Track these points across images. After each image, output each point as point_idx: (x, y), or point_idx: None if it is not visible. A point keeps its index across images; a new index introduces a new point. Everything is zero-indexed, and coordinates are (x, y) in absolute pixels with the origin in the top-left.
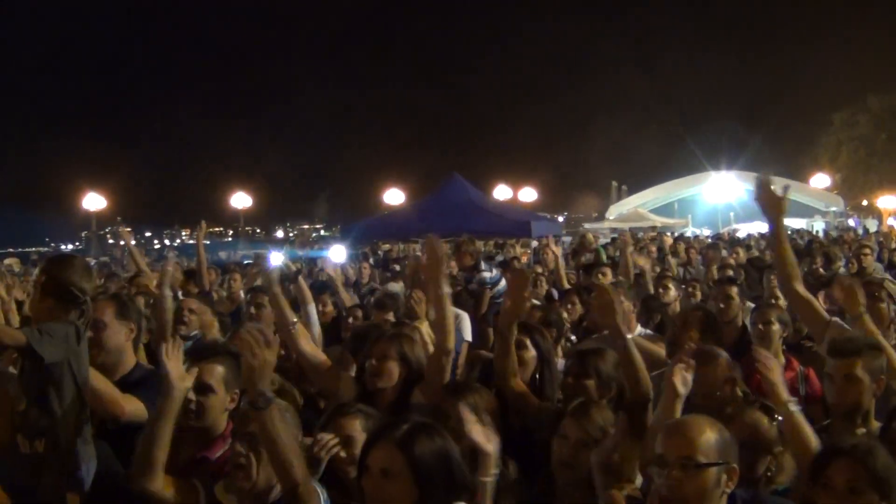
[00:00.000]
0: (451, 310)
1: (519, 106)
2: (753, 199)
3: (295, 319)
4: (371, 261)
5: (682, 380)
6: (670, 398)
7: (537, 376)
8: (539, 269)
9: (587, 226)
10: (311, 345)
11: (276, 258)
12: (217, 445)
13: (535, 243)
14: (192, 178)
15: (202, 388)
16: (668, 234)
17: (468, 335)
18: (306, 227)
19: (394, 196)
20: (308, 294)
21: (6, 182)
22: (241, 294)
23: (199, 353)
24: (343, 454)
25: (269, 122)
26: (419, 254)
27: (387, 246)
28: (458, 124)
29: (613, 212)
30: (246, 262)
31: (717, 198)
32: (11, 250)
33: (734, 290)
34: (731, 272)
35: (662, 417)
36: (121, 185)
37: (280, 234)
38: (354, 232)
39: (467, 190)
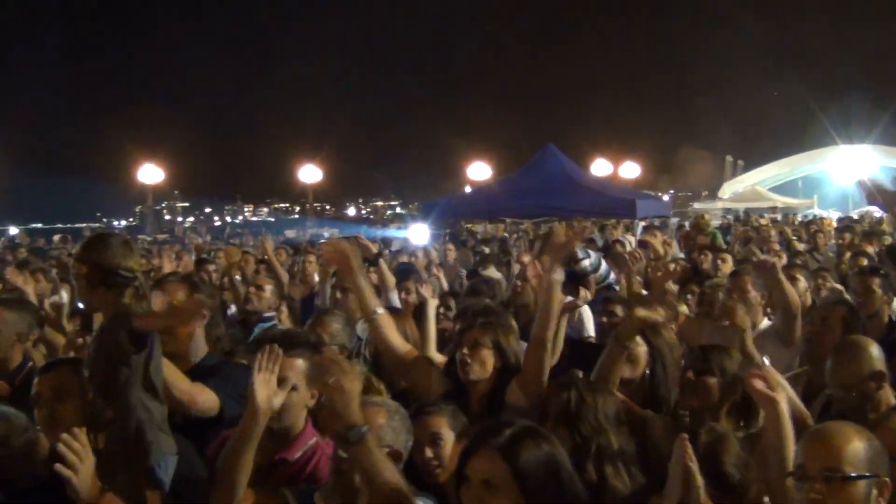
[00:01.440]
0: (560, 298)
1: (619, 71)
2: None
3: (379, 308)
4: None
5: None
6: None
7: (647, 373)
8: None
9: (697, 206)
10: (396, 335)
11: (419, 233)
12: (296, 446)
13: (640, 225)
14: (256, 151)
15: (282, 384)
16: (792, 215)
17: (591, 329)
18: (380, 203)
19: (479, 171)
20: (391, 279)
21: (56, 154)
22: (316, 277)
23: (261, 343)
24: (430, 454)
25: (340, 91)
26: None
27: (470, 225)
28: (550, 92)
29: (727, 190)
30: (320, 241)
31: (847, 175)
32: (61, 226)
33: (876, 282)
34: (866, 261)
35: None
36: (179, 156)
37: (352, 211)
38: (436, 210)
39: (563, 163)
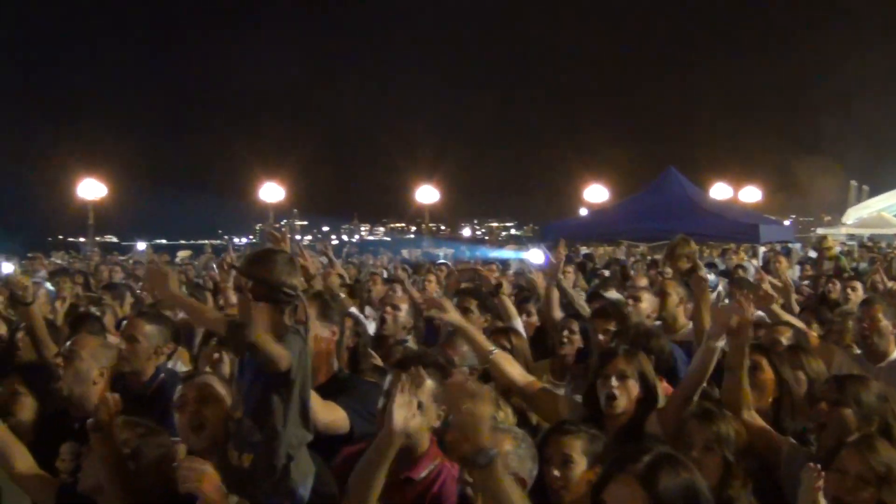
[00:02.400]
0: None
1: (739, 93)
2: None
3: (492, 348)
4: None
5: None
6: None
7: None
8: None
9: (821, 230)
10: (517, 370)
11: (537, 255)
12: (422, 465)
13: (762, 250)
14: (374, 171)
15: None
16: None
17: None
18: (495, 224)
19: (596, 193)
20: (512, 310)
21: (181, 172)
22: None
23: (404, 364)
24: (557, 474)
25: (458, 113)
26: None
27: (585, 248)
28: (669, 115)
29: (851, 216)
30: (440, 262)
31: None
32: (184, 242)
33: None
34: None
35: None
36: (299, 175)
37: (467, 231)
38: (553, 232)
39: (685, 186)
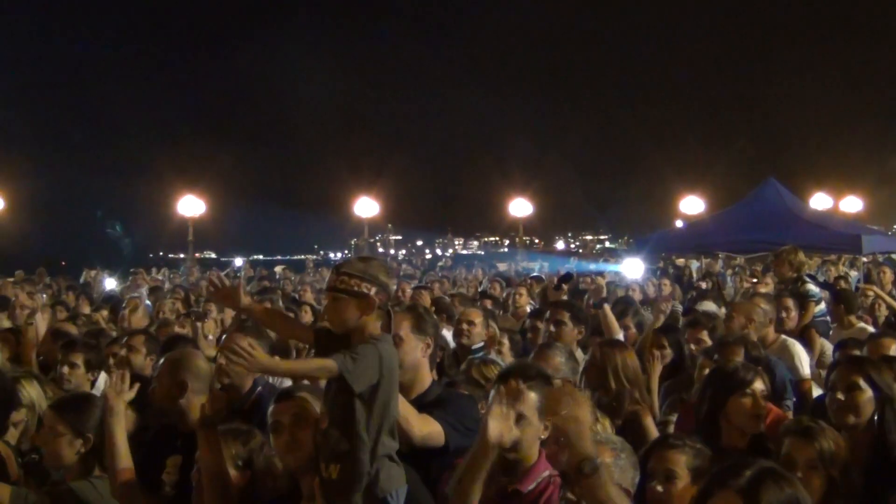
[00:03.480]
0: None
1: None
2: None
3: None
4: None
5: None
6: None
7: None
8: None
9: None
10: None
11: (633, 268)
12: (530, 478)
13: (864, 260)
14: (467, 184)
15: (515, 417)
16: None
17: (806, 370)
18: (589, 237)
19: (692, 204)
20: (614, 323)
21: (277, 188)
22: (527, 310)
23: (506, 377)
24: (659, 489)
25: (551, 126)
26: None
27: (681, 261)
28: (765, 125)
29: None
30: (533, 274)
31: None
32: (280, 258)
33: None
34: None
35: None
36: (393, 190)
37: (561, 244)
38: (649, 244)
39: (785, 197)
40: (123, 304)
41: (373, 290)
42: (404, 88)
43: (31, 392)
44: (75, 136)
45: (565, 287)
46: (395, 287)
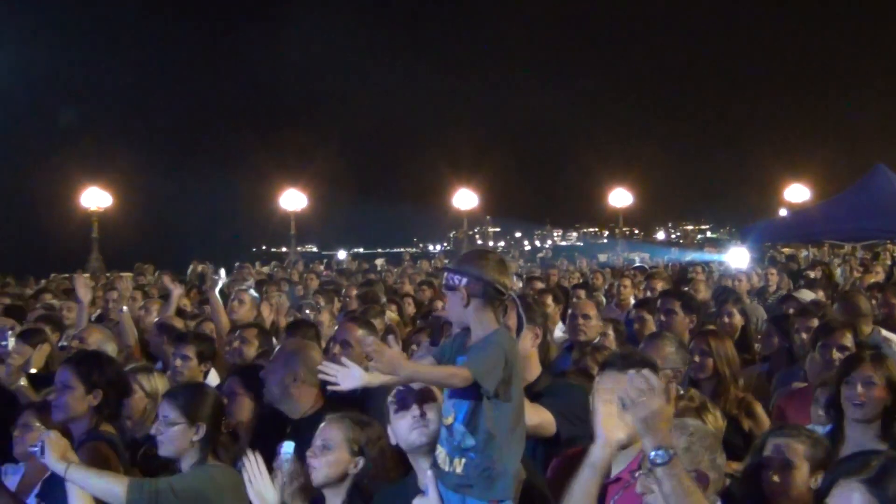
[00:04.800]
0: None
1: None
2: None
3: None
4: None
5: None
6: None
7: None
8: None
9: None
10: None
11: (739, 257)
12: (633, 463)
13: None
14: (566, 175)
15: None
16: None
17: None
18: (690, 227)
19: (797, 193)
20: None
21: (377, 181)
22: (632, 300)
23: (611, 365)
24: (776, 479)
25: (649, 114)
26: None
27: (787, 250)
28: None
29: None
30: (636, 265)
31: None
32: (381, 251)
33: None
34: None
35: None
36: (491, 182)
37: (661, 234)
38: (753, 234)
39: (894, 184)
40: (231, 297)
41: (463, 282)
42: (503, 81)
43: (158, 383)
44: (180, 133)
45: None
46: (500, 275)
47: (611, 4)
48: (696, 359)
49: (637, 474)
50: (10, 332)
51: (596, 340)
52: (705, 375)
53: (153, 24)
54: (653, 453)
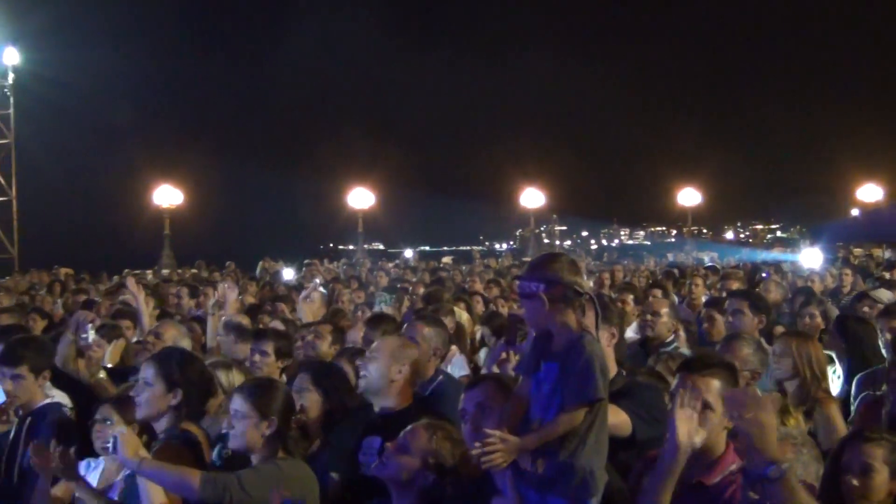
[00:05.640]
0: None
1: None
2: None
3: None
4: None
5: None
6: None
7: None
8: None
9: None
10: None
11: (812, 257)
12: (716, 470)
13: None
14: (633, 174)
15: (700, 409)
16: None
17: None
18: (759, 227)
19: (870, 192)
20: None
21: (444, 179)
22: (703, 300)
23: (690, 367)
24: (855, 482)
25: (718, 113)
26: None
27: (859, 250)
28: None
29: None
30: (709, 265)
31: None
32: (447, 249)
33: None
34: None
35: None
36: (558, 180)
37: (730, 234)
38: (825, 233)
39: None
40: (302, 294)
41: (541, 288)
42: (572, 80)
43: (237, 378)
44: (249, 132)
45: None
46: (576, 276)
47: (686, 5)
48: (778, 361)
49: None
50: (90, 326)
51: (668, 340)
52: (787, 377)
53: (224, 25)
54: (767, 469)
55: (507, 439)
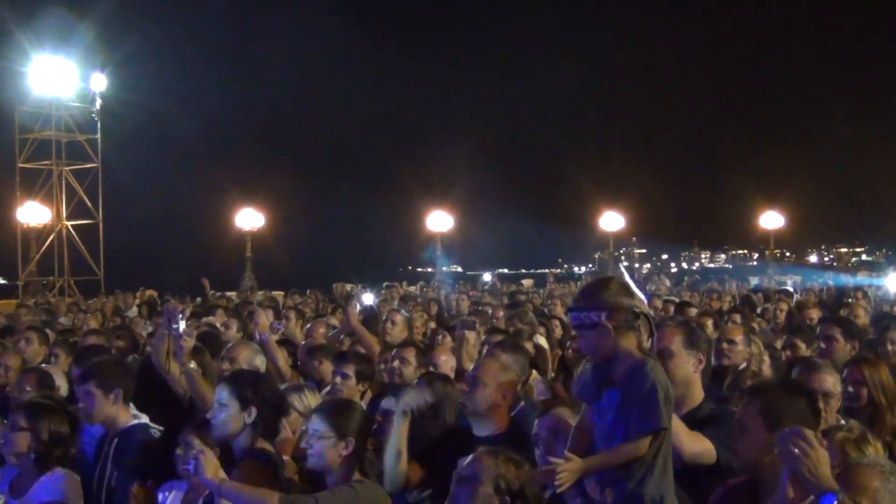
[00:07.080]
0: None
1: None
2: None
3: None
4: None
5: None
6: None
7: None
8: None
9: None
10: None
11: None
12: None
13: None
14: (715, 197)
15: None
16: None
17: None
18: (844, 250)
19: None
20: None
21: (522, 202)
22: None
23: (757, 393)
24: None
25: (803, 135)
26: None
27: None
28: None
29: None
30: (781, 289)
31: None
32: (524, 271)
33: None
34: None
35: None
36: (638, 203)
37: (813, 257)
38: None
39: None
40: (384, 318)
41: (603, 316)
42: (654, 102)
43: (311, 401)
44: (329, 156)
45: None
46: (632, 298)
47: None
48: (850, 388)
49: None
50: (181, 315)
51: (741, 368)
52: (860, 405)
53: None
54: (823, 499)
55: (572, 458)
